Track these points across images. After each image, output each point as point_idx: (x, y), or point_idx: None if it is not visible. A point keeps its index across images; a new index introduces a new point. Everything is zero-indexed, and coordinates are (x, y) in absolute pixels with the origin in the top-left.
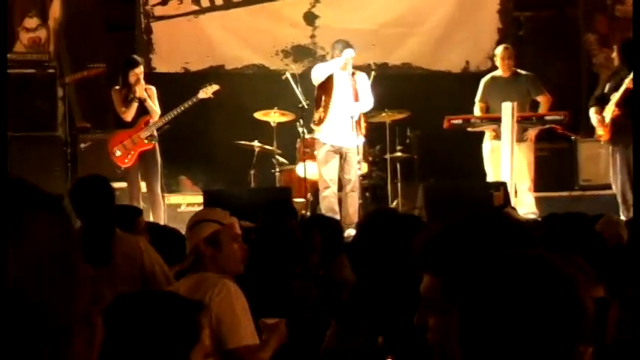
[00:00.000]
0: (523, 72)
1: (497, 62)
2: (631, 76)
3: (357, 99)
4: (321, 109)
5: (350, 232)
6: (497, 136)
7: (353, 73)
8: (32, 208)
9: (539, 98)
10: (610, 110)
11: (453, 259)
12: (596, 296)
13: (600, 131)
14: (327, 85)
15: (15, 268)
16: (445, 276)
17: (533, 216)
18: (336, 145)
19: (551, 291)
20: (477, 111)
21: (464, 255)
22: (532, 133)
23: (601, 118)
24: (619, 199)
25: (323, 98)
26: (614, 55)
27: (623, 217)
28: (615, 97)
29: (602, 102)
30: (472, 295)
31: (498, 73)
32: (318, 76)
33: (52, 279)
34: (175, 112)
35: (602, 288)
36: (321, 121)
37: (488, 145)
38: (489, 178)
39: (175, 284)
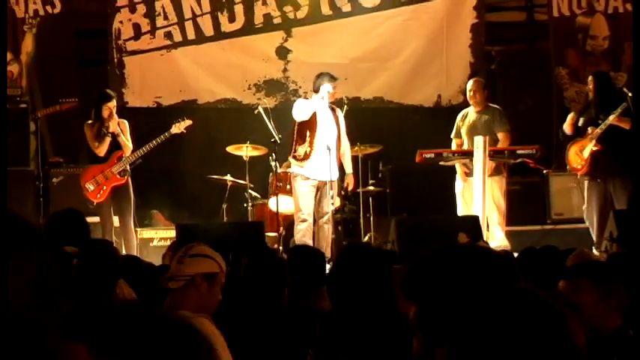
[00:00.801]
0: (493, 105)
1: (468, 96)
2: (617, 112)
3: (339, 132)
4: (306, 144)
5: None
6: (468, 175)
7: (333, 108)
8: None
9: (499, 135)
10: (590, 145)
11: (433, 290)
12: None
13: (576, 164)
14: (310, 120)
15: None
16: (424, 305)
17: (504, 250)
18: (318, 180)
19: (542, 326)
20: (454, 147)
21: (445, 285)
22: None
23: (576, 152)
24: (592, 233)
25: (308, 133)
26: (590, 86)
27: (595, 252)
28: (596, 132)
29: (575, 134)
30: (464, 328)
31: (471, 107)
32: (301, 114)
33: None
34: (148, 147)
35: None
36: (307, 156)
37: (460, 182)
38: (460, 213)
39: None
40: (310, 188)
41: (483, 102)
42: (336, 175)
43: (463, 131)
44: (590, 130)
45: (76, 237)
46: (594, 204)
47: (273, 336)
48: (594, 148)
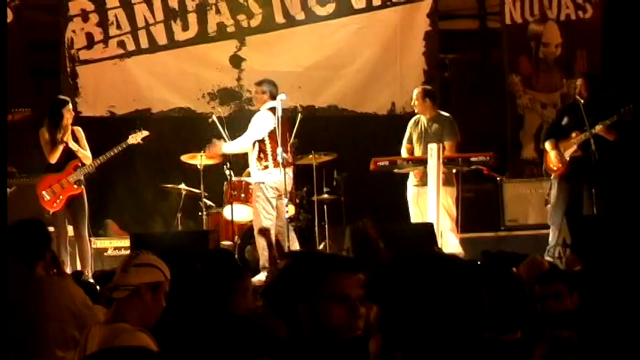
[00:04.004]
0: (444, 114)
1: (413, 104)
2: (605, 124)
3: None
4: (269, 155)
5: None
6: (421, 183)
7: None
8: None
9: (446, 144)
10: (572, 149)
11: (396, 293)
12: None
13: (556, 165)
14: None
15: None
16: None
17: (460, 257)
18: (280, 187)
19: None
20: (404, 152)
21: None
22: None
23: (558, 153)
24: (552, 234)
25: (270, 145)
26: (579, 88)
27: (548, 258)
28: (580, 138)
29: (557, 135)
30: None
31: (423, 115)
32: (263, 131)
33: None
34: (104, 157)
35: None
36: (277, 164)
37: (412, 189)
38: (414, 220)
39: (95, 332)
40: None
41: (430, 110)
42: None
43: (414, 138)
44: (574, 134)
45: (37, 246)
46: (562, 206)
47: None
48: (577, 153)
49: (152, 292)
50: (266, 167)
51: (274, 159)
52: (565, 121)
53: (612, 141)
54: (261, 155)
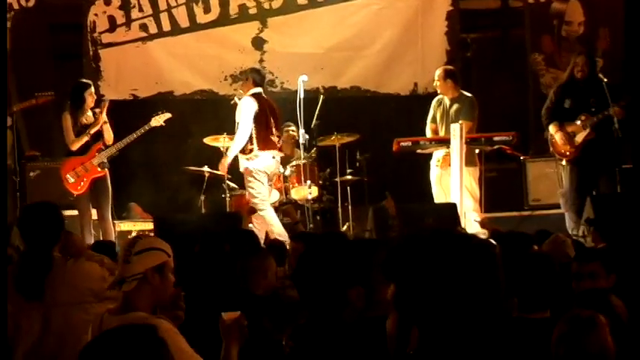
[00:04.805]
0: (466, 94)
1: (435, 85)
2: (621, 105)
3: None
4: (254, 138)
5: None
6: (444, 165)
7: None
8: None
9: (461, 122)
10: (584, 132)
11: (412, 271)
12: (542, 317)
13: (564, 149)
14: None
15: None
16: (402, 285)
17: (482, 236)
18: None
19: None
20: (428, 132)
21: (423, 267)
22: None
23: (566, 135)
24: (568, 217)
25: (255, 128)
26: (579, 66)
27: (573, 234)
28: (593, 120)
29: (560, 117)
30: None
31: (445, 95)
32: (250, 117)
33: None
34: (127, 140)
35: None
36: (262, 147)
37: (435, 170)
38: (437, 201)
39: (107, 322)
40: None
41: (452, 90)
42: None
43: (437, 117)
44: (583, 116)
45: (51, 229)
46: (576, 189)
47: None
48: (590, 136)
49: (159, 274)
50: (251, 151)
51: (259, 142)
52: (568, 103)
53: (620, 119)
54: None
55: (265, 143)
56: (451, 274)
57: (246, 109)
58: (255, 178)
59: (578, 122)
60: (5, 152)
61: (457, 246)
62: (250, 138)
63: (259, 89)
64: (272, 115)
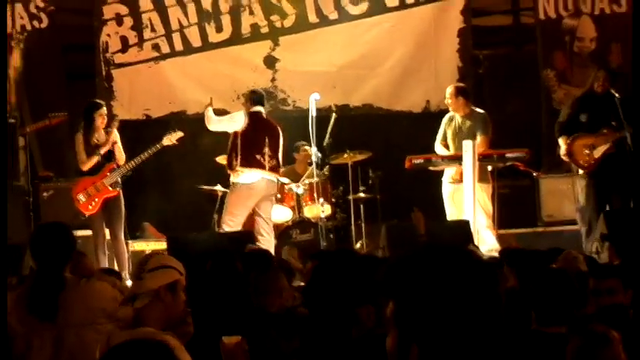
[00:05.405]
0: (478, 110)
1: (447, 102)
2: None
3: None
4: (239, 155)
5: None
6: (457, 180)
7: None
8: None
9: (478, 137)
10: (605, 146)
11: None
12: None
13: (583, 159)
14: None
15: None
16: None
17: (495, 254)
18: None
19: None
20: (438, 149)
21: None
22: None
23: (585, 146)
24: (583, 232)
25: (240, 144)
26: (600, 81)
27: (587, 250)
28: (617, 135)
29: (574, 131)
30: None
31: (457, 113)
32: (232, 124)
33: None
34: (139, 159)
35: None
36: (244, 165)
37: (448, 187)
38: (449, 217)
39: (114, 338)
40: None
41: (464, 107)
42: None
43: (449, 135)
44: (605, 130)
45: (62, 249)
46: (592, 203)
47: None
48: (610, 151)
49: (171, 293)
50: (235, 166)
51: (242, 159)
52: (584, 117)
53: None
54: (233, 155)
55: (248, 161)
56: (449, 290)
57: (233, 117)
58: (233, 192)
59: (600, 135)
60: (6, 152)
61: (455, 262)
62: (235, 154)
63: (258, 108)
64: (268, 135)
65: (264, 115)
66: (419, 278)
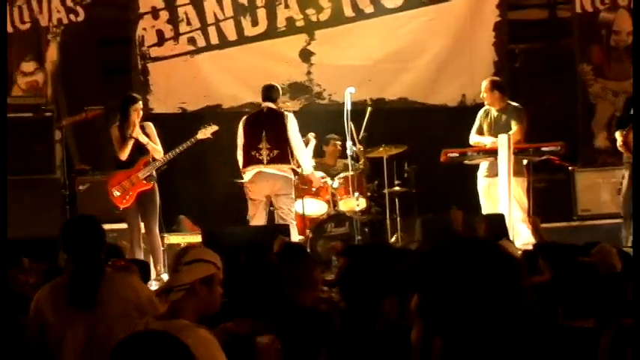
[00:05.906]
0: (513, 104)
1: (482, 96)
2: None
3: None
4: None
5: None
6: (491, 173)
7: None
8: None
9: (513, 127)
10: None
11: (436, 280)
12: (586, 326)
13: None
14: None
15: None
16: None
17: (531, 247)
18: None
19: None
20: (473, 138)
21: (447, 276)
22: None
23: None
24: (625, 225)
25: (243, 143)
26: None
27: (624, 241)
28: None
29: (625, 124)
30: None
31: (493, 106)
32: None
33: None
34: (174, 153)
35: (592, 319)
36: (245, 163)
37: (483, 180)
38: (485, 211)
39: (150, 327)
40: None
41: (499, 101)
42: None
43: (484, 128)
44: None
45: (92, 243)
46: (633, 195)
47: (286, 336)
48: None
49: (206, 286)
50: (241, 171)
51: (243, 162)
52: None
53: None
54: (239, 159)
55: (246, 161)
56: (474, 283)
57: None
58: (246, 194)
59: None
60: (6, 152)
61: (481, 255)
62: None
63: (267, 103)
64: (266, 128)
65: (270, 107)
66: (444, 271)
